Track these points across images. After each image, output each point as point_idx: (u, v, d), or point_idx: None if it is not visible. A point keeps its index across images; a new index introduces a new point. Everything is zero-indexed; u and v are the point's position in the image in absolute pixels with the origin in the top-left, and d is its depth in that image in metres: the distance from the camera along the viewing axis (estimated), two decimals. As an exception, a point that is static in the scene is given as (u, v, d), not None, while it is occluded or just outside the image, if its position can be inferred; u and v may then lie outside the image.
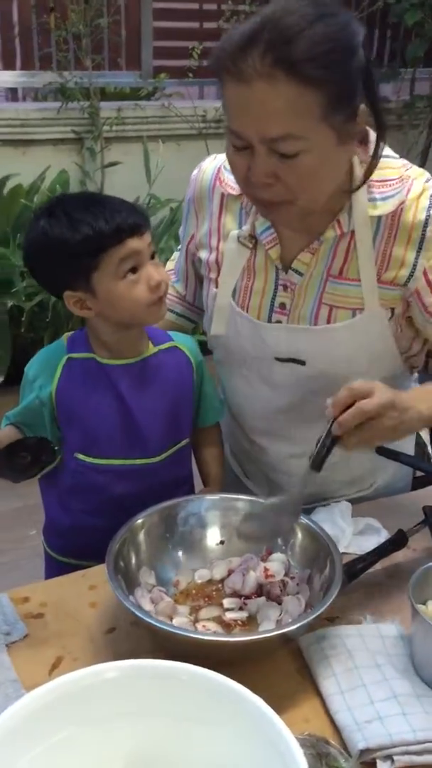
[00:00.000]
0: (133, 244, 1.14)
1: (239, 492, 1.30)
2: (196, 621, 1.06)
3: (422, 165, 4.20)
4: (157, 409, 1.25)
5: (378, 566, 1.20)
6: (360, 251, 1.16)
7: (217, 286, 1.27)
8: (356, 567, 1.16)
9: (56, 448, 1.18)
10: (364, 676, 0.98)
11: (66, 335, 1.27)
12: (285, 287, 1.22)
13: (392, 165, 1.16)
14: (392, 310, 1.19)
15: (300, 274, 1.20)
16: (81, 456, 1.24)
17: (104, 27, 3.48)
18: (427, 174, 1.17)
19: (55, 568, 1.34)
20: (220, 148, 1.24)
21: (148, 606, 1.04)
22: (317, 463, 1.05)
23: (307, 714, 0.94)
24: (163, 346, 1.28)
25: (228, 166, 1.17)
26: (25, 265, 1.25)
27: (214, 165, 1.29)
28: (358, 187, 1.13)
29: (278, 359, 1.24)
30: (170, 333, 1.32)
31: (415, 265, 1.15)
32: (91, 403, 1.22)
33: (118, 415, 1.22)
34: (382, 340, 1.21)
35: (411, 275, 1.16)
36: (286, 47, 0.93)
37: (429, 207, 1.13)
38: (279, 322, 1.24)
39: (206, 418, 1.36)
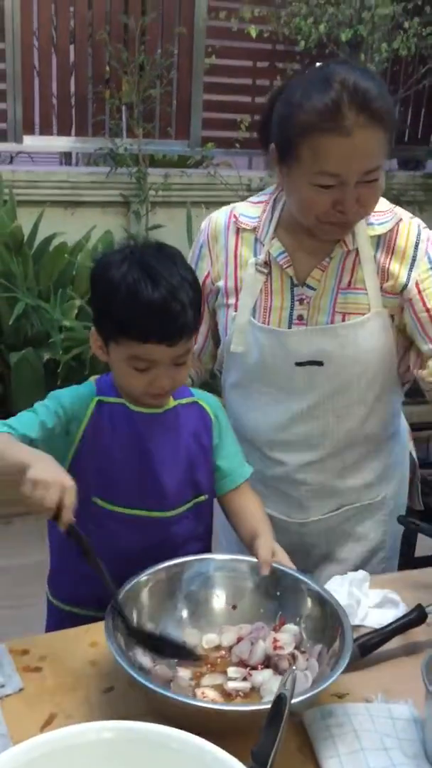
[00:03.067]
0: (153, 351, 1.13)
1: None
2: (196, 687, 1.01)
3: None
4: (176, 461, 1.24)
5: (394, 642, 1.14)
6: (364, 264, 1.36)
7: (236, 309, 1.41)
8: (371, 641, 1.11)
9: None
10: (369, 760, 0.92)
11: (93, 378, 1.28)
12: (301, 301, 1.38)
13: (384, 203, 1.39)
14: (392, 317, 1.38)
15: (313, 288, 1.37)
16: (98, 501, 1.22)
17: (156, 97, 3.61)
18: (408, 213, 1.42)
19: (56, 618, 1.31)
20: (198, 235, 1.48)
21: (148, 665, 1.00)
22: None
23: (307, 797, 0.89)
24: (183, 401, 1.28)
25: (242, 211, 1.43)
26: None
27: (224, 212, 1.46)
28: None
29: (298, 363, 1.37)
30: (191, 389, 1.32)
31: (408, 278, 1.36)
32: (115, 448, 1.21)
33: (138, 462, 1.22)
34: (386, 341, 1.38)
35: (405, 285, 1.36)
36: (373, 103, 1.20)
37: (417, 234, 1.37)
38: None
39: (233, 478, 1.32)
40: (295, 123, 1.22)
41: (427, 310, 1.37)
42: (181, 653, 1.06)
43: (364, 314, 1.36)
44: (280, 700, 0.75)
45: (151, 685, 0.89)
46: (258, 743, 0.74)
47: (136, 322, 1.12)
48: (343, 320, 1.36)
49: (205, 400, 1.32)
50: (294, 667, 0.94)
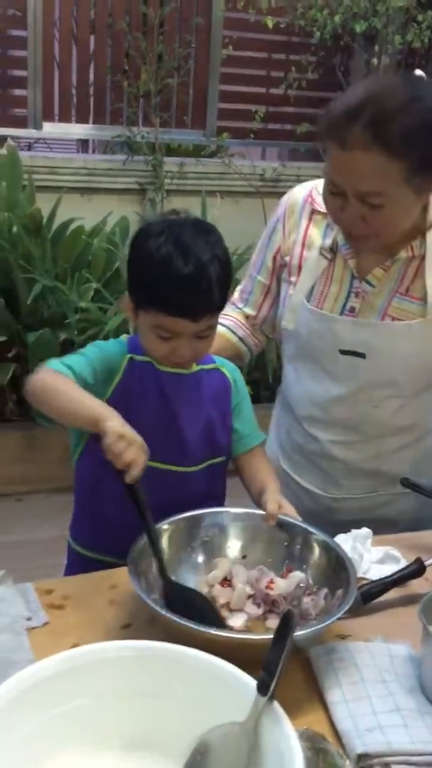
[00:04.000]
0: (177, 324, 1.19)
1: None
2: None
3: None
4: (197, 421, 1.31)
5: (394, 593, 1.22)
6: (428, 273, 1.35)
7: (295, 286, 1.45)
8: (373, 590, 1.19)
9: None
10: (369, 689, 0.99)
11: (125, 336, 1.34)
12: (357, 294, 1.40)
13: None
14: None
15: (372, 285, 1.39)
16: None
17: (173, 87, 3.68)
18: None
19: (77, 564, 1.38)
20: (275, 206, 1.52)
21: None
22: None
23: (311, 721, 0.95)
24: (205, 366, 1.34)
25: (320, 190, 1.38)
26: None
27: (306, 188, 1.48)
28: None
29: (342, 351, 1.39)
30: (214, 357, 1.38)
31: None
32: (142, 404, 1.28)
33: (164, 419, 1.29)
34: None
35: None
36: (384, 127, 1.16)
37: None
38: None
39: (248, 441, 1.38)
40: (322, 122, 1.24)
41: None
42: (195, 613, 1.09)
43: (413, 320, 1.37)
44: (288, 616, 0.82)
45: (175, 618, 0.96)
46: (268, 655, 0.81)
47: (163, 296, 1.18)
48: (392, 322, 1.37)
49: (225, 366, 1.38)
50: (302, 585, 1.01)
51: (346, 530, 1.34)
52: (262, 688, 0.80)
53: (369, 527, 1.35)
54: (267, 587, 1.14)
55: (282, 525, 1.21)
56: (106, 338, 2.99)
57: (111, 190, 3.76)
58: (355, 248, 1.38)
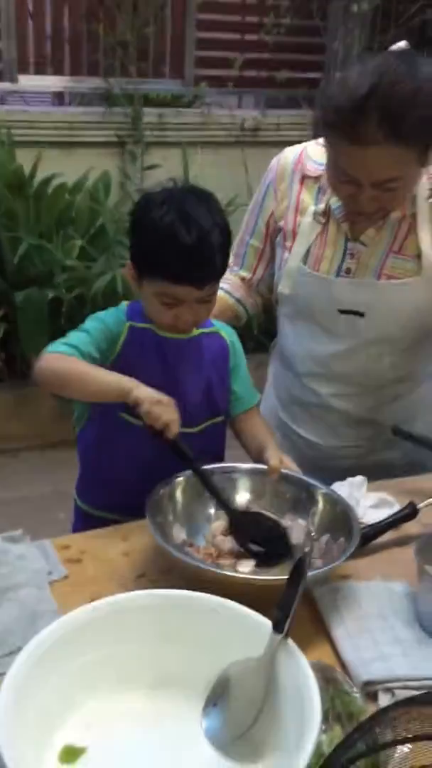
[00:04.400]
0: (181, 291, 1.24)
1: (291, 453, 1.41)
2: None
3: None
4: (197, 383, 1.36)
5: (389, 535, 1.30)
6: (420, 231, 1.39)
7: (290, 252, 1.48)
8: (370, 533, 1.26)
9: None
10: (371, 624, 1.07)
11: (126, 303, 1.37)
12: (352, 255, 1.44)
13: None
14: None
15: (365, 245, 1.43)
16: (125, 416, 1.33)
17: (150, 36, 3.62)
18: None
19: (82, 521, 1.45)
20: (256, 156, 1.56)
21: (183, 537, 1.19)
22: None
23: (319, 655, 1.03)
24: (205, 330, 1.39)
25: (309, 154, 1.46)
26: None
27: (295, 152, 1.50)
28: None
29: (341, 311, 1.45)
30: (211, 320, 1.42)
31: None
32: (143, 369, 1.31)
33: (165, 383, 1.31)
34: (428, 305, 1.43)
35: None
36: (396, 122, 1.18)
37: None
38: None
39: (246, 401, 1.44)
40: (326, 112, 1.25)
41: None
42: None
43: (410, 277, 1.41)
44: (301, 561, 0.89)
45: (191, 561, 1.04)
46: (282, 596, 0.89)
47: (168, 265, 1.22)
48: (388, 280, 1.42)
49: (224, 329, 1.43)
50: (314, 533, 1.09)
51: (342, 477, 1.40)
52: (278, 627, 0.88)
53: (366, 473, 1.42)
54: None
55: (285, 478, 1.28)
56: (95, 296, 3.04)
57: (90, 143, 3.72)
58: (359, 226, 1.41)
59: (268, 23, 3.79)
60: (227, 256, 1.28)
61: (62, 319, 3.08)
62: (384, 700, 0.96)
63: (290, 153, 1.52)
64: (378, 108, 1.17)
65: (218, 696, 0.90)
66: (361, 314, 1.44)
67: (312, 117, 3.86)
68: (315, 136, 1.49)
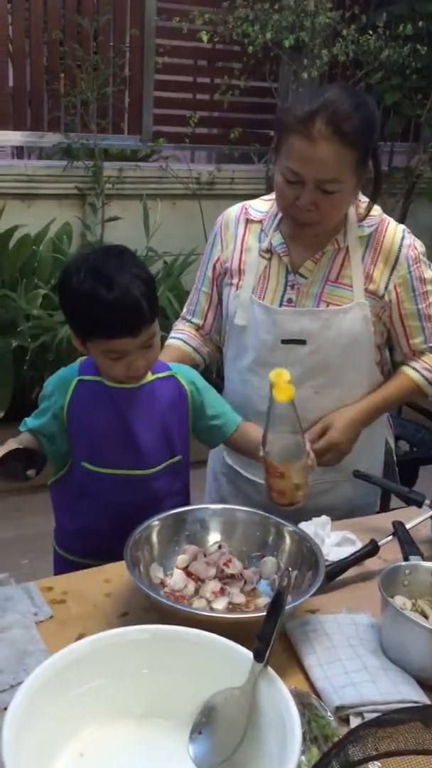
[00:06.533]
0: (121, 344, 1.33)
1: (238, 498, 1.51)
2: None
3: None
4: (152, 427, 1.44)
5: (353, 571, 1.39)
6: (353, 263, 1.57)
7: (239, 288, 1.64)
8: (335, 569, 1.36)
9: (40, 458, 1.37)
10: (340, 653, 1.16)
11: (80, 359, 1.47)
12: (292, 286, 1.59)
13: (375, 209, 1.62)
14: (376, 316, 1.59)
15: (304, 277, 1.59)
16: (86, 465, 1.43)
17: (110, 95, 3.77)
18: (398, 224, 1.64)
19: (62, 565, 1.52)
20: (211, 208, 1.78)
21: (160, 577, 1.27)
22: None
23: (294, 683, 1.11)
24: (160, 375, 1.47)
25: (252, 205, 1.67)
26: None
27: (237, 207, 1.71)
28: (366, 215, 1.59)
29: (284, 341, 1.57)
30: (170, 364, 1.52)
31: (389, 280, 1.58)
32: (97, 420, 1.41)
33: (118, 430, 1.42)
34: (365, 331, 1.58)
35: (386, 287, 1.57)
36: (341, 123, 1.40)
37: (402, 238, 1.59)
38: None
39: (230, 422, 1.53)
40: (283, 122, 1.46)
41: (401, 318, 1.60)
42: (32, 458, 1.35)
43: (347, 305, 1.56)
44: (279, 594, 0.98)
45: (170, 603, 1.12)
46: (261, 629, 0.97)
47: (99, 324, 1.32)
48: (327, 307, 1.56)
49: (181, 372, 1.51)
50: (290, 568, 1.18)
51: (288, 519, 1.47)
52: (259, 656, 0.96)
53: (311, 514, 1.50)
54: (224, 564, 1.30)
55: (255, 517, 1.37)
56: (59, 344, 3.11)
57: (51, 195, 3.82)
58: (296, 236, 1.56)
59: (222, 85, 3.99)
60: (154, 299, 1.36)
61: (25, 366, 3.14)
62: (355, 722, 1.04)
63: (233, 208, 1.70)
64: (326, 112, 1.40)
65: (204, 723, 0.97)
66: (302, 342, 1.57)
67: (264, 172, 4.04)
68: (268, 191, 1.66)
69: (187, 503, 1.54)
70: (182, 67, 4.11)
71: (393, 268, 1.58)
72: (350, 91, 1.50)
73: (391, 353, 1.73)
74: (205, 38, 3.70)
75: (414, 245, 1.60)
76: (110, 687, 1.00)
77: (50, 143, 3.87)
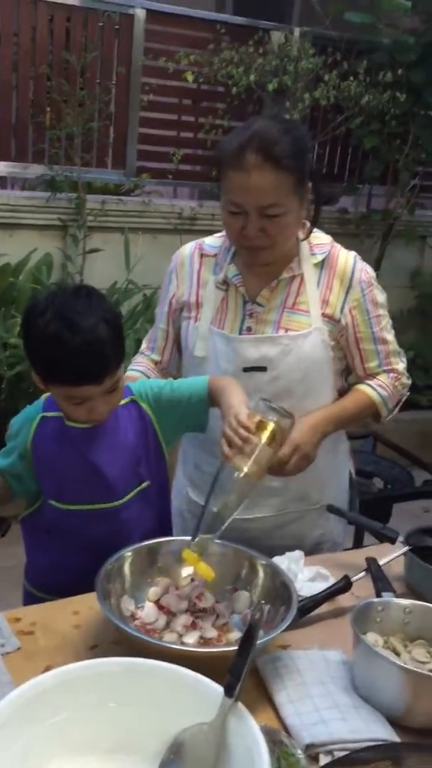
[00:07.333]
0: (83, 391, 1.29)
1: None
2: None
3: (376, 270, 4.57)
4: (116, 457, 1.42)
5: (325, 607, 1.39)
6: (308, 288, 1.60)
7: (197, 320, 1.65)
8: (308, 605, 1.35)
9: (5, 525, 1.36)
10: (311, 690, 1.15)
11: (45, 395, 1.44)
12: (251, 315, 1.61)
13: (324, 237, 1.67)
14: (334, 341, 1.62)
15: (261, 305, 1.61)
16: (54, 502, 1.42)
17: (95, 130, 3.82)
18: (348, 250, 1.67)
19: (32, 603, 1.48)
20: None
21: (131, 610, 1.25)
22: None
23: (264, 720, 1.09)
24: (122, 402, 1.43)
25: (207, 242, 1.70)
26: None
27: (192, 243, 1.73)
28: (307, 236, 1.62)
29: (245, 369, 1.58)
30: (131, 385, 1.48)
31: (344, 304, 1.61)
32: (60, 457, 1.40)
33: (82, 467, 1.40)
34: (324, 355, 1.61)
35: (342, 310, 1.61)
36: (271, 149, 1.44)
37: (354, 263, 1.63)
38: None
39: (197, 387, 1.48)
40: (219, 159, 1.51)
41: (357, 341, 1.62)
42: None
43: (305, 330, 1.58)
44: (251, 628, 0.97)
45: (143, 637, 1.10)
46: (232, 663, 0.96)
47: (62, 371, 1.27)
48: (286, 333, 1.58)
49: (141, 393, 1.47)
50: (263, 602, 1.17)
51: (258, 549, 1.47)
52: (229, 691, 0.94)
53: (280, 545, 1.51)
54: (197, 598, 1.29)
55: (229, 551, 1.36)
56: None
57: (33, 225, 3.84)
58: (252, 266, 1.59)
59: (206, 124, 4.07)
60: (121, 344, 1.32)
61: (2, 395, 3.11)
62: (325, 760, 1.03)
63: (187, 245, 1.73)
64: (255, 142, 1.44)
65: (171, 760, 0.95)
66: (263, 369, 1.58)
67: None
68: None
69: (167, 529, 1.53)
70: (167, 105, 4.19)
71: (347, 292, 1.61)
72: (278, 119, 1.57)
73: (347, 377, 1.75)
74: (190, 78, 3.79)
75: (365, 269, 1.64)
76: (77, 721, 0.98)
77: (34, 174, 3.90)
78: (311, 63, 3.68)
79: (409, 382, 1.72)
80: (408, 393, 1.74)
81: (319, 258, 1.62)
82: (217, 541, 1.39)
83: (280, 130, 1.47)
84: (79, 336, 1.24)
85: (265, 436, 1.30)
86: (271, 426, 1.31)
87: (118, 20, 3.85)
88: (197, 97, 4.19)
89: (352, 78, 3.78)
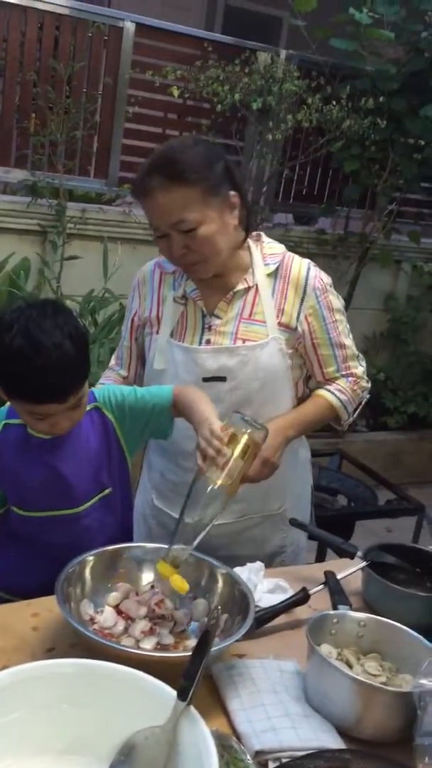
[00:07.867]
0: (47, 408, 1.29)
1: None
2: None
3: (351, 291, 4.61)
4: (79, 464, 1.43)
5: (282, 618, 1.41)
6: (263, 298, 1.63)
7: (158, 333, 1.68)
8: (265, 616, 1.37)
9: None
10: (264, 698, 1.17)
11: (9, 402, 1.42)
12: (209, 328, 1.65)
13: (278, 247, 1.70)
14: (292, 349, 1.65)
15: (219, 317, 1.65)
16: (16, 509, 1.43)
17: (79, 138, 3.85)
18: (302, 258, 1.70)
19: None
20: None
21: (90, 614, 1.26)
22: None
23: (216, 725, 1.11)
24: (87, 408, 1.43)
25: (163, 261, 1.70)
26: None
27: (152, 261, 1.78)
28: (244, 240, 1.65)
29: (205, 379, 1.61)
30: (95, 392, 1.48)
31: (299, 312, 1.63)
32: (22, 464, 1.41)
33: (44, 474, 1.41)
34: (282, 364, 1.63)
35: (297, 318, 1.63)
36: (171, 166, 1.48)
37: (307, 270, 1.66)
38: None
39: (162, 397, 1.49)
40: (133, 193, 1.58)
41: (314, 347, 1.66)
42: None
43: (262, 340, 1.61)
44: (206, 633, 0.99)
45: (104, 641, 1.11)
46: (187, 667, 0.97)
47: (26, 389, 1.27)
48: (244, 343, 1.61)
49: (105, 400, 1.47)
50: (219, 607, 1.18)
51: (225, 561, 1.46)
52: (182, 694, 0.96)
53: (241, 553, 1.53)
54: (156, 604, 1.31)
55: (190, 558, 1.37)
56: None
57: (12, 230, 3.84)
58: (194, 277, 1.62)
59: (189, 136, 4.11)
60: (85, 362, 1.33)
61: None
62: (273, 767, 1.05)
63: (148, 264, 1.78)
64: (153, 167, 1.49)
65: (122, 762, 0.97)
66: (223, 379, 1.61)
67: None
68: None
69: (130, 535, 1.54)
70: (152, 118, 4.22)
71: (302, 300, 1.64)
72: (177, 140, 1.65)
73: (307, 383, 1.78)
74: (176, 93, 3.83)
75: (319, 276, 1.66)
76: (29, 721, 0.99)
77: (16, 179, 3.91)
78: (295, 85, 3.74)
79: (369, 385, 1.76)
80: (368, 396, 1.78)
81: (272, 268, 1.65)
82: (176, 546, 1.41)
83: (178, 149, 1.51)
84: (43, 356, 1.24)
85: (238, 448, 1.32)
86: (244, 438, 1.33)
87: (107, 32, 3.88)
88: (182, 112, 4.23)
89: (334, 102, 3.84)
